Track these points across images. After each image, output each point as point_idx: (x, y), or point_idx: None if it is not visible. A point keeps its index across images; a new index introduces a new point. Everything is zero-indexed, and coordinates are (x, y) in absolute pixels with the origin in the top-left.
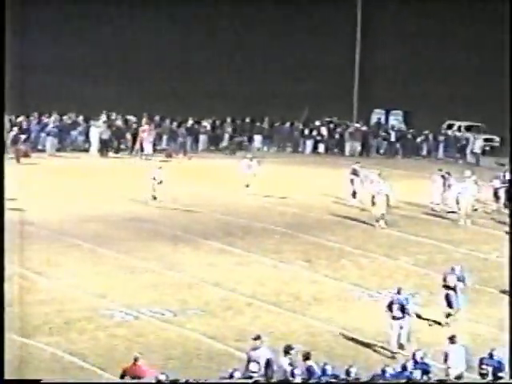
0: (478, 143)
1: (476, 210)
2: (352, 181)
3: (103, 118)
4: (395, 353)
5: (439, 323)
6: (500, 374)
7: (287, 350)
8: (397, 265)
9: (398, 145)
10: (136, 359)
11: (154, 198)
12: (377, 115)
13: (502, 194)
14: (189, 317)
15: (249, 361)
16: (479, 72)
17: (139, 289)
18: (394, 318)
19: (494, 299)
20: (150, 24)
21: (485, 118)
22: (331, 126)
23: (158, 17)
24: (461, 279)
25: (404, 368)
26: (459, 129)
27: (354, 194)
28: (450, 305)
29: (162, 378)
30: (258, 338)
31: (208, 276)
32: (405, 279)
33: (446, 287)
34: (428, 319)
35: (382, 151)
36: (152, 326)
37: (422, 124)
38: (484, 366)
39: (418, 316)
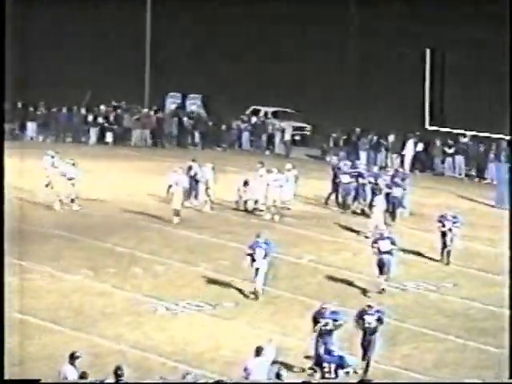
0: (287, 132)
1: (289, 208)
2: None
3: None
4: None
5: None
6: (345, 370)
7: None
8: (196, 272)
9: (196, 134)
10: None
11: None
12: (172, 100)
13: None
14: None
15: None
16: (288, 54)
17: None
18: None
19: (306, 308)
20: None
21: (295, 104)
22: (119, 111)
23: None
24: (394, 243)
25: None
26: (266, 115)
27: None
28: (382, 271)
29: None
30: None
31: None
32: (206, 288)
33: (379, 252)
34: (234, 333)
35: (176, 141)
36: None
37: (225, 110)
38: (325, 364)
39: (224, 328)
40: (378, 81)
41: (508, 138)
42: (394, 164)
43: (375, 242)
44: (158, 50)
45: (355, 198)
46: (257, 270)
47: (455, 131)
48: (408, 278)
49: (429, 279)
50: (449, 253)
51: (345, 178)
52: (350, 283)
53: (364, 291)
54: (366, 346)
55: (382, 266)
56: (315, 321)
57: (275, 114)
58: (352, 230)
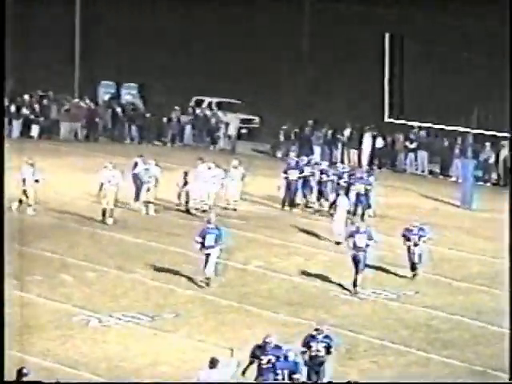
0: (233, 125)
1: (235, 209)
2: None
3: None
4: None
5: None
6: (295, 376)
7: None
8: (133, 279)
9: (133, 127)
10: None
11: None
12: (105, 89)
13: (299, 186)
14: None
15: None
16: (235, 39)
17: None
18: None
19: (254, 319)
20: None
21: (242, 94)
22: (45, 101)
23: None
24: (371, 238)
25: None
26: (209, 106)
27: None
28: (357, 268)
29: None
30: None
31: None
32: (144, 298)
33: (355, 247)
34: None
35: (111, 134)
36: None
37: (164, 100)
38: (278, 371)
39: (163, 342)
40: (334, 69)
41: (474, 132)
42: (352, 160)
43: (351, 236)
44: (89, 34)
45: (318, 198)
46: (207, 256)
47: (417, 124)
48: (366, 285)
49: (389, 287)
50: (415, 274)
51: (292, 175)
52: (303, 291)
53: (318, 300)
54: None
55: (357, 263)
56: (254, 356)
57: (220, 105)
58: (307, 232)
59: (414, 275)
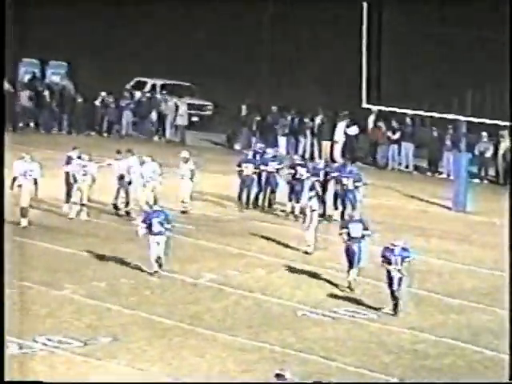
0: (182, 111)
1: (185, 212)
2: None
3: None
4: None
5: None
6: None
7: None
8: (61, 297)
9: (62, 113)
10: None
11: None
12: (27, 68)
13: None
14: None
15: None
16: (183, 11)
17: None
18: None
19: (206, 344)
20: None
21: (192, 76)
22: None
23: None
24: (367, 228)
25: None
26: (153, 89)
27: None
28: (351, 262)
29: None
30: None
31: None
32: (74, 319)
33: (350, 238)
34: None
35: (33, 122)
36: None
37: (99, 82)
38: None
39: (98, 371)
40: (303, 47)
41: (468, 119)
42: (324, 153)
43: (345, 227)
44: (13, 3)
45: (290, 198)
46: (158, 243)
47: (400, 111)
48: (340, 302)
49: (367, 304)
50: (396, 303)
51: (248, 169)
52: (266, 310)
53: (283, 320)
54: None
55: (352, 256)
56: None
57: (166, 89)
58: (270, 240)
59: (395, 313)
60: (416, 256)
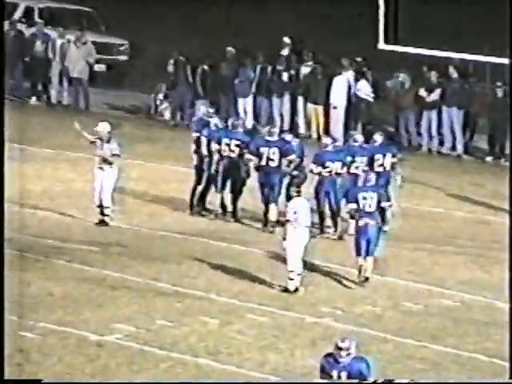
0: (79, 54)
1: (104, 222)
2: None
3: None
4: None
5: None
6: None
7: None
8: None
9: None
10: None
11: None
12: None
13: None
14: None
15: None
16: None
17: None
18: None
19: None
20: None
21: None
22: None
23: None
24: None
25: None
26: (27, 17)
27: None
28: (367, 246)
29: None
30: None
31: None
32: None
33: (361, 215)
34: None
35: None
36: None
37: None
38: None
39: None
40: None
41: None
42: (313, 125)
43: (353, 201)
44: None
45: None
46: None
47: (439, 54)
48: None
49: None
50: None
51: (212, 148)
52: None
53: None
54: None
55: (367, 241)
56: None
57: (50, 16)
58: (224, 269)
59: None
60: None
